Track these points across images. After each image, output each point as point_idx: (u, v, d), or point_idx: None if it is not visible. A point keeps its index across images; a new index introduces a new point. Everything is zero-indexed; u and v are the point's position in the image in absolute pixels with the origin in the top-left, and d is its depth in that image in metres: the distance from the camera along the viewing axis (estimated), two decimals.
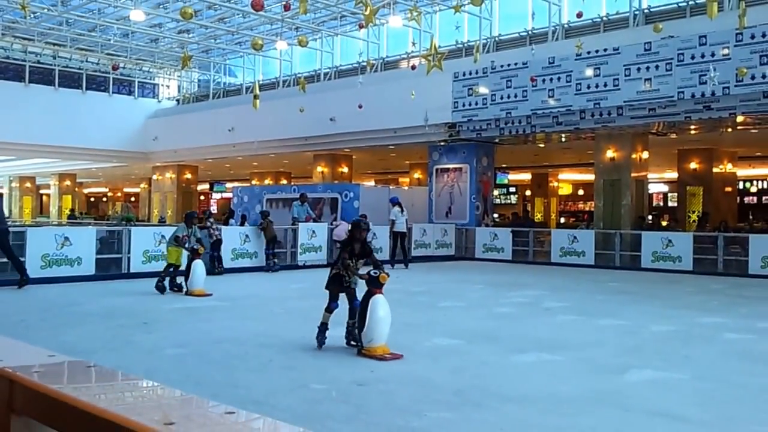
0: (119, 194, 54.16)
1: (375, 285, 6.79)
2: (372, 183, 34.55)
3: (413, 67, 20.59)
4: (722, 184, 22.77)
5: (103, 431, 1.07)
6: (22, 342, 1.64)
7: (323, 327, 7.12)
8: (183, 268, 11.86)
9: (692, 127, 18.01)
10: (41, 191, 46.28)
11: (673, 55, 16.24)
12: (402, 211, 17.64)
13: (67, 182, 39.37)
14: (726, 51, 15.44)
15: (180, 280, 11.78)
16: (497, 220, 23.84)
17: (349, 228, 7.64)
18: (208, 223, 15.30)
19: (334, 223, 18.22)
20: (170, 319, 9.24)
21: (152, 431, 1.00)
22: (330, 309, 7.12)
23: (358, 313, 6.84)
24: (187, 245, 11.68)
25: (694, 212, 21.84)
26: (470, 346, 7.52)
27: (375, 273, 6.79)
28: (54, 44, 29.14)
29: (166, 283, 11.67)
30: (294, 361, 6.62)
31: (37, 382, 1.24)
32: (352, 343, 7.05)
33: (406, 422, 4.78)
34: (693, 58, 15.91)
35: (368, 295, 6.79)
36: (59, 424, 1.18)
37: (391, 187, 26.40)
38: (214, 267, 14.76)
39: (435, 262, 19.24)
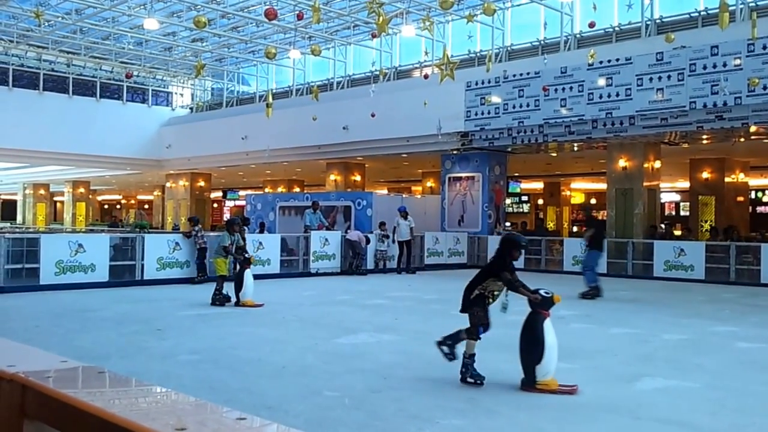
0: (133, 201, 54.49)
1: (546, 307, 5.92)
2: (385, 191, 34.61)
3: (426, 76, 20.66)
4: (734, 193, 22.66)
5: None
6: (36, 347, 1.66)
7: (473, 358, 6.11)
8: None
9: (704, 136, 17.95)
10: (55, 198, 46.61)
11: (685, 65, 16.23)
12: (406, 219, 18.32)
13: (81, 189, 39.66)
14: (738, 61, 15.41)
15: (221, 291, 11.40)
16: (509, 228, 23.81)
17: (501, 244, 6.42)
18: (194, 231, 14.82)
19: (348, 231, 18.31)
20: (184, 325, 9.30)
21: None
22: (479, 335, 6.14)
23: (531, 342, 5.85)
24: (234, 254, 11.32)
25: (706, 221, 21.74)
26: (482, 353, 7.47)
27: (548, 293, 5.91)
28: (68, 52, 29.44)
29: (226, 292, 11.21)
30: (307, 368, 6.64)
31: (50, 388, 1.25)
32: (469, 380, 6.13)
33: (419, 429, 4.80)
34: (705, 68, 15.89)
35: (537, 320, 5.87)
36: (72, 429, 1.19)
37: (404, 195, 26.43)
38: (199, 275, 14.58)
39: (447, 270, 19.23)
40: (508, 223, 24.09)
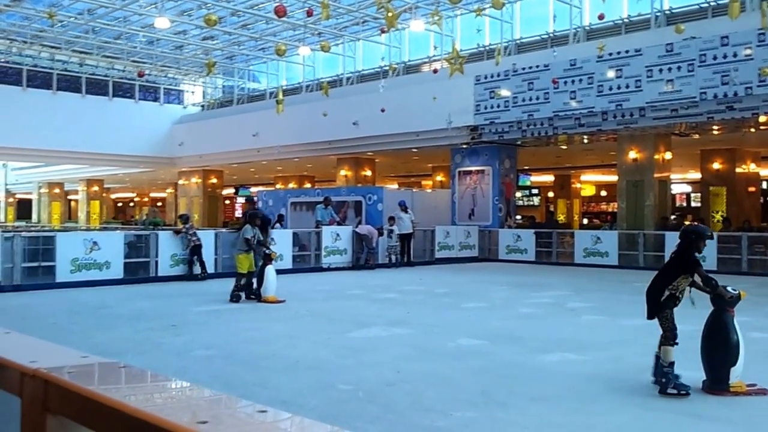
0: (146, 199, 54.79)
1: (734, 304, 5.65)
2: (395, 186, 34.63)
3: (435, 71, 20.67)
4: (745, 184, 22.52)
5: (136, 431, 1.09)
6: (56, 344, 1.68)
7: (673, 366, 5.58)
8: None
9: (715, 127, 17.86)
10: (69, 197, 47.00)
11: (695, 55, 16.14)
12: (406, 212, 18.46)
13: (95, 188, 39.97)
14: (748, 51, 15.32)
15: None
16: (520, 221, 23.83)
17: (686, 237, 5.97)
18: (185, 228, 14.76)
19: (359, 226, 18.38)
20: (198, 321, 9.39)
21: (186, 430, 1.01)
22: (676, 339, 5.67)
23: (723, 344, 5.56)
24: (256, 248, 11.20)
25: (717, 212, 21.64)
26: (494, 346, 7.57)
27: (735, 290, 5.63)
28: (81, 52, 29.62)
29: (255, 288, 11.15)
30: (321, 362, 6.71)
31: (71, 383, 1.26)
32: (671, 391, 5.67)
33: (432, 422, 4.84)
34: (715, 58, 15.81)
35: (726, 319, 5.57)
36: (94, 423, 1.20)
37: (414, 189, 26.46)
38: (192, 272, 14.56)
39: (458, 264, 19.28)
40: (518, 216, 24.08)
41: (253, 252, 11.28)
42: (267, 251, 11.30)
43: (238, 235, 11.89)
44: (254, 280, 11.33)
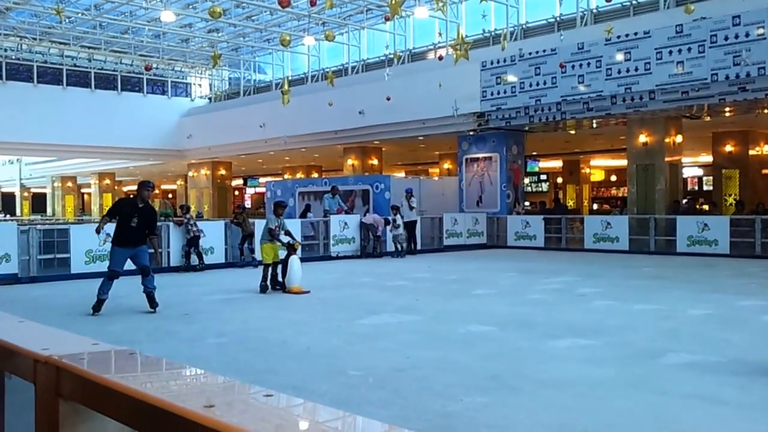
0: (157, 191, 55.00)
1: None
2: (402, 174, 34.61)
3: (440, 58, 20.57)
4: (759, 166, 22.34)
5: (146, 415, 1.10)
6: (68, 332, 1.71)
7: None
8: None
9: (727, 109, 17.71)
10: (82, 190, 47.41)
11: (705, 36, 15.99)
12: (409, 200, 18.14)
13: (107, 181, 40.38)
14: (761, 31, 15.16)
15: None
16: (528, 207, 23.75)
17: None
18: (186, 219, 14.77)
19: (366, 215, 18.39)
20: (210, 310, 9.45)
21: (193, 414, 1.02)
22: None
23: None
24: (279, 237, 11.08)
25: (730, 195, 21.50)
26: (504, 332, 7.58)
27: None
28: (89, 47, 29.77)
29: (269, 282, 11.05)
30: (331, 349, 6.74)
31: (83, 369, 1.28)
32: None
33: (443, 406, 4.85)
34: (726, 39, 15.65)
35: None
36: (104, 408, 1.22)
37: (421, 177, 26.47)
38: (189, 263, 14.59)
39: (467, 251, 19.27)
40: (527, 203, 24.01)
41: (278, 242, 11.10)
42: (290, 241, 11.16)
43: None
44: (279, 271, 11.19)
